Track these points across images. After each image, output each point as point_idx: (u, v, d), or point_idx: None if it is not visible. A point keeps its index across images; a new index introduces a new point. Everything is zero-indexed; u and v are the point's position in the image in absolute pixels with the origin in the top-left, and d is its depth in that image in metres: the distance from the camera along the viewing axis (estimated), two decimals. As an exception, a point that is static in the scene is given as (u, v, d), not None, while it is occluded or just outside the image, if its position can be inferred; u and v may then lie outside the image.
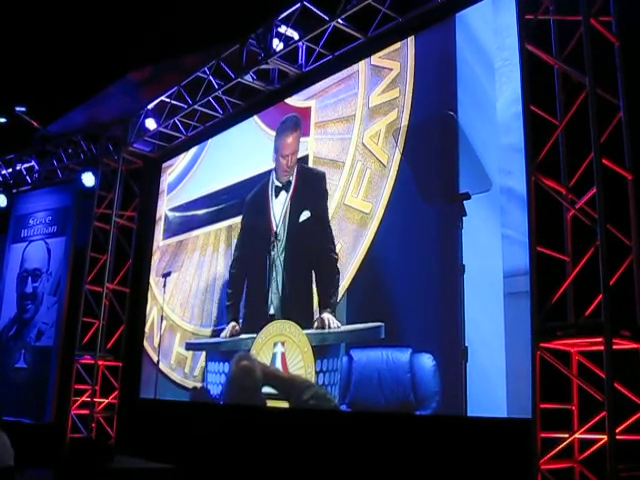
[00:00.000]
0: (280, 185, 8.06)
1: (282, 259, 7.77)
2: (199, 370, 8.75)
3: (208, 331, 8.75)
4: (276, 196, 8.05)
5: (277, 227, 7.91)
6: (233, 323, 8.31)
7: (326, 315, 6.94)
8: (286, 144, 8.17)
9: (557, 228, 4.78)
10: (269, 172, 8.29)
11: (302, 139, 7.95)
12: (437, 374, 5.77)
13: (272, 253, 7.89)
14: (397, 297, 6.36)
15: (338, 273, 7.02)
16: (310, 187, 7.72)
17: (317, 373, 6.96)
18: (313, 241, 7.46)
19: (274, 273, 7.82)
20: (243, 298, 8.30)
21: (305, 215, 7.62)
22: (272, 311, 7.74)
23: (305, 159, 7.83)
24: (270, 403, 7.43)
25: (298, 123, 8.10)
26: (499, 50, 5.90)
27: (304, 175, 7.87)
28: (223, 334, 8.40)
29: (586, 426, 4.27)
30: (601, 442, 4.14)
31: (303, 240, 7.62)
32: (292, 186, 7.90)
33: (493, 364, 5.31)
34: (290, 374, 7.26)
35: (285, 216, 7.85)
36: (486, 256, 5.56)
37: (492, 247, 5.51)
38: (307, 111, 8.01)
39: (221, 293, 8.73)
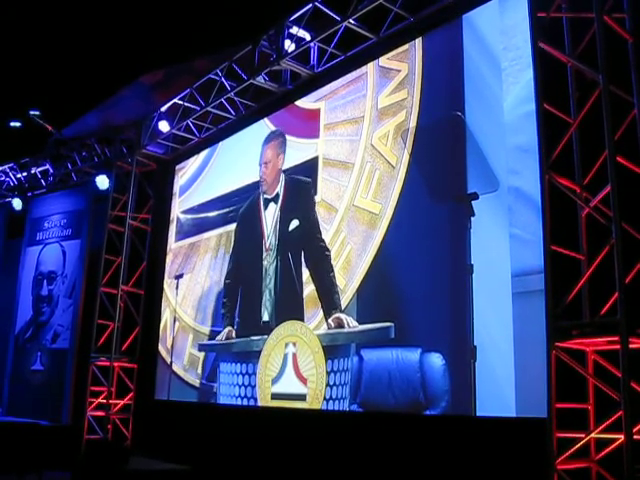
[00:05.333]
0: (269, 198, 8.30)
1: (274, 268, 7.95)
2: (211, 371, 8.79)
3: (219, 332, 8.82)
4: (265, 208, 8.30)
5: (269, 238, 8.10)
6: (229, 328, 8.54)
7: (343, 315, 6.95)
8: (264, 154, 8.58)
9: (571, 227, 4.75)
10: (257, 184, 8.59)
11: (311, 141, 7.97)
12: (446, 373, 5.76)
13: (264, 263, 8.10)
14: (406, 297, 6.36)
15: (332, 270, 7.18)
16: (298, 196, 7.95)
17: (328, 373, 6.96)
18: (305, 245, 7.64)
19: (267, 282, 8.00)
20: (237, 307, 8.56)
21: (294, 224, 7.83)
22: (266, 318, 7.92)
23: (314, 161, 7.84)
24: (281, 404, 7.45)
25: (278, 134, 8.50)
26: (505, 51, 5.88)
27: (291, 186, 8.09)
28: (219, 337, 8.62)
29: (602, 426, 4.24)
30: (618, 442, 4.11)
31: (294, 247, 7.77)
32: (280, 198, 8.14)
33: (502, 363, 5.30)
34: None
35: (276, 227, 8.06)
36: (494, 255, 5.55)
37: (500, 247, 5.50)
38: (316, 113, 8.03)
39: (217, 301, 8.95)
